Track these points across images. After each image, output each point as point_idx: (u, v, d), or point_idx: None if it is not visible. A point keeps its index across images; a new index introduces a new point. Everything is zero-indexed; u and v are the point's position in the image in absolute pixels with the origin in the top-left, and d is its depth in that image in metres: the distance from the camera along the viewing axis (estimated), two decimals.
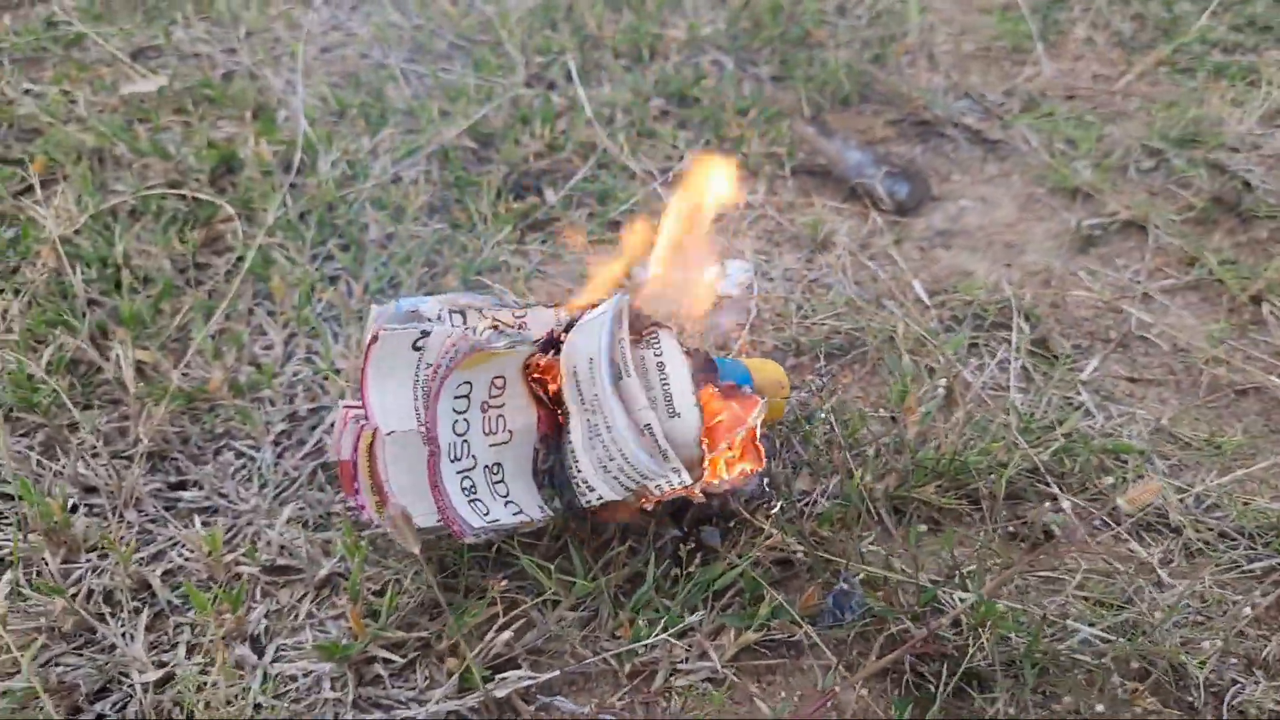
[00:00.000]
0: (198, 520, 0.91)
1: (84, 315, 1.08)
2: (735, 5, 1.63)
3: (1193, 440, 1.00)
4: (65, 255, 1.14)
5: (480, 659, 0.79)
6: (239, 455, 0.99)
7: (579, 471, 0.80)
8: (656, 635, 0.80)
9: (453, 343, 0.75)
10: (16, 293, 1.10)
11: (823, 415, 0.93)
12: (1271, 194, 1.30)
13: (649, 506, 0.81)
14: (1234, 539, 0.90)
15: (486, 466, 0.79)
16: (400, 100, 1.43)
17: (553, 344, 0.81)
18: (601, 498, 0.80)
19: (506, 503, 0.79)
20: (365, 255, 1.18)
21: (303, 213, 1.23)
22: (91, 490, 0.94)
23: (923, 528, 0.88)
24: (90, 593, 0.85)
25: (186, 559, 0.88)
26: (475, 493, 0.77)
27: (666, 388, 0.79)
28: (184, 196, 1.25)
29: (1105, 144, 1.40)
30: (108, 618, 0.83)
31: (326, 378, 1.05)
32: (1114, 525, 0.91)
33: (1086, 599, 0.84)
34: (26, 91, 1.45)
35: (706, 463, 0.79)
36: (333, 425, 1.01)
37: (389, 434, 0.76)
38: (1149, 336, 1.13)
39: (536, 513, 0.80)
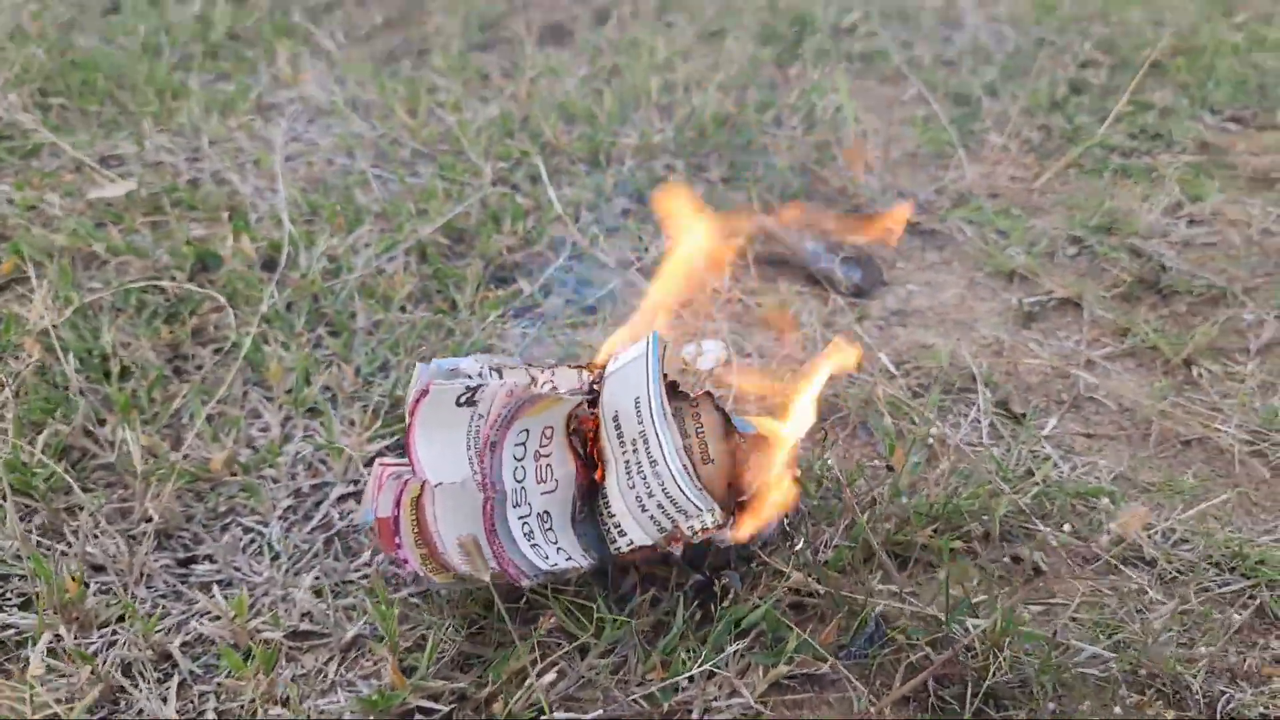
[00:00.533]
0: (216, 590, 0.91)
1: (76, 403, 1.08)
2: (680, 116, 1.74)
3: (1152, 485, 1.08)
4: (50, 348, 1.14)
5: (519, 706, 0.80)
6: (247, 530, 0.99)
7: (611, 516, 0.83)
8: (688, 673, 0.82)
9: (511, 393, 0.78)
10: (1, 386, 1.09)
11: (823, 464, 0.99)
12: (1185, 274, 1.43)
13: (676, 550, 0.84)
14: (1205, 568, 0.97)
15: (539, 514, 0.81)
16: (372, 202, 1.48)
17: (594, 398, 0.85)
18: (632, 542, 0.83)
19: (558, 549, 0.81)
20: (355, 341, 1.21)
21: (289, 304, 1.26)
22: (99, 569, 0.93)
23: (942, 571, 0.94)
24: (109, 665, 0.83)
25: (208, 628, 0.88)
26: (533, 538, 0.80)
27: (701, 435, 0.83)
28: (164, 292, 1.26)
29: (1032, 233, 1.52)
30: (130, 688, 0.82)
31: (328, 455, 1.06)
32: (1096, 559, 0.98)
33: (1082, 622, 0.90)
34: None
35: (734, 506, 0.84)
36: (339, 498, 1.03)
37: (438, 485, 0.78)
38: (1097, 398, 1.22)
39: (583, 559, 0.83)
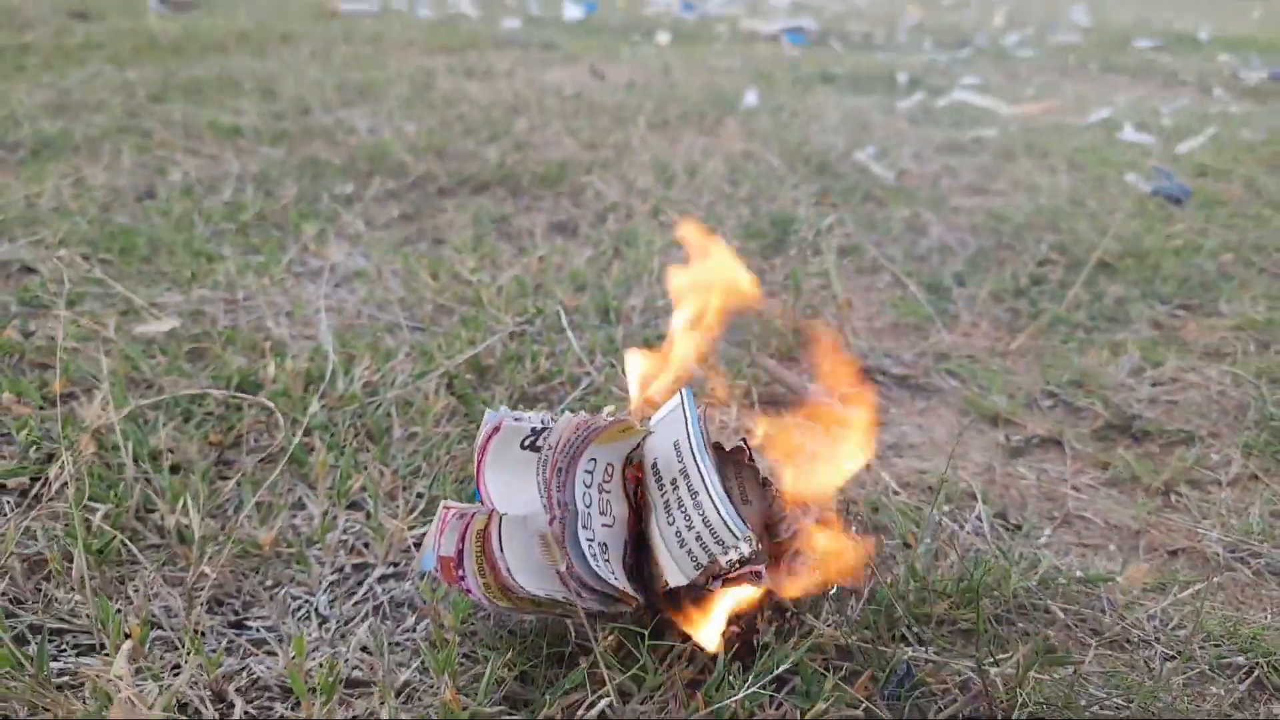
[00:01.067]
0: (269, 639, 0.94)
1: (131, 487, 1.13)
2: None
3: (1146, 583, 1.15)
4: (105, 446, 1.21)
5: None
6: (294, 598, 1.03)
7: (653, 563, 0.90)
8: (730, 712, 0.86)
9: (582, 423, 0.86)
10: (59, 471, 1.15)
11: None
12: (1153, 421, 1.55)
13: (714, 586, 0.90)
14: (1201, 645, 1.04)
15: (600, 543, 0.87)
16: (402, 344, 1.58)
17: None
18: (668, 584, 0.89)
19: (614, 576, 0.87)
20: (392, 448, 1.28)
21: (330, 417, 1.34)
22: (156, 625, 0.96)
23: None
24: (169, 697, 0.86)
25: (263, 671, 0.90)
26: (597, 560, 0.86)
27: (740, 479, 0.91)
28: (209, 409, 1.34)
29: (1010, 386, 1.65)
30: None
31: (371, 538, 1.11)
32: (1101, 635, 1.04)
33: (1095, 679, 0.95)
34: (30, 333, 1.54)
35: (769, 549, 0.90)
36: (380, 578, 1.07)
37: (505, 515, 0.85)
38: (1086, 515, 1.31)
39: (635, 593, 0.88)
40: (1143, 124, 4.29)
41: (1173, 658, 1.02)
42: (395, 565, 1.09)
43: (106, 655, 0.89)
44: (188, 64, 4.25)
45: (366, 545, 1.12)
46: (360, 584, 1.06)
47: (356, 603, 1.03)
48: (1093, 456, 1.46)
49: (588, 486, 0.88)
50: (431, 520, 1.14)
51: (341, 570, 1.08)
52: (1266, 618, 1.10)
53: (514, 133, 3.28)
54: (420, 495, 1.20)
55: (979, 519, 1.25)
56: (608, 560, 0.88)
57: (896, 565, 1.09)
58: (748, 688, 0.85)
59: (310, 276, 1.91)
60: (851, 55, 6.50)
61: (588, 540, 0.86)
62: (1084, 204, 2.81)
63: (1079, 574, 1.12)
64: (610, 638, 0.91)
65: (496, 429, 0.88)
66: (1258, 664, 1.01)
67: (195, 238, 2.02)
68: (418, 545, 1.12)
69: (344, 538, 1.13)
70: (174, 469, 1.21)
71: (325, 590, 1.04)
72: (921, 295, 2.01)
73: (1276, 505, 1.34)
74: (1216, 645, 1.04)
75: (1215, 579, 1.15)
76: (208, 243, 2.02)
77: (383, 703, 0.88)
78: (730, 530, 0.88)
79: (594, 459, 0.88)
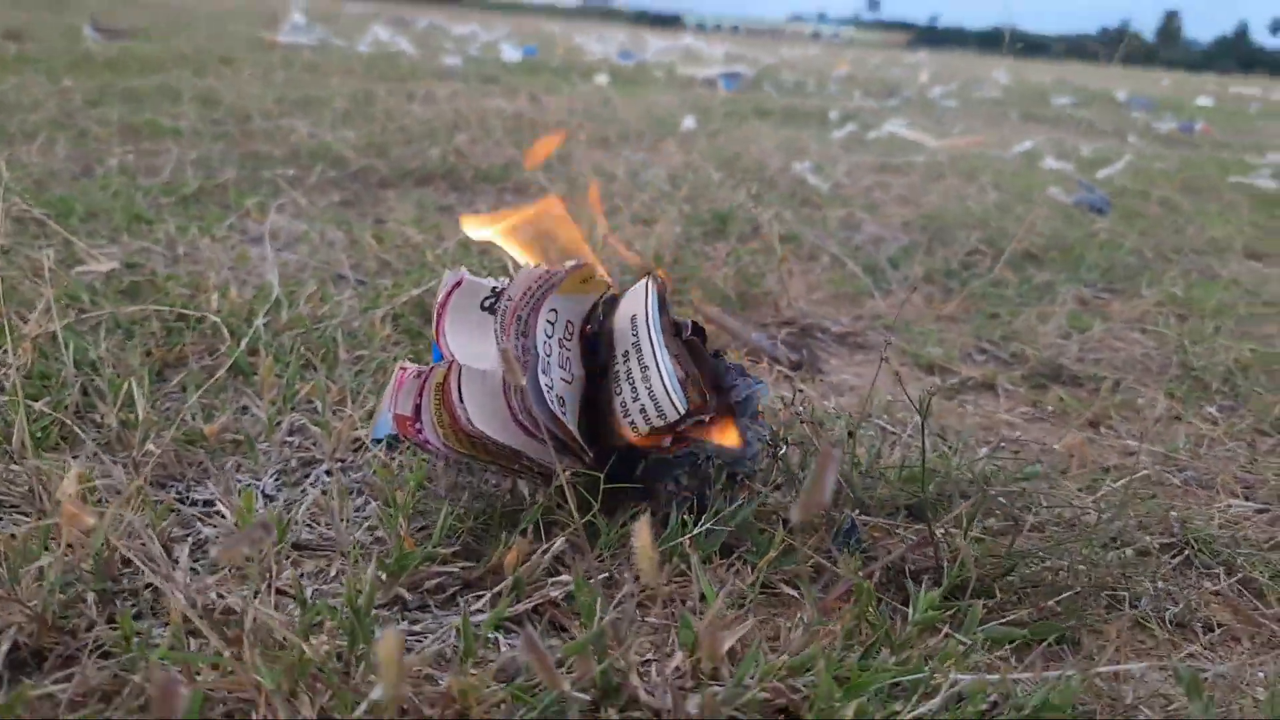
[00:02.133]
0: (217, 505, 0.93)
1: (70, 388, 1.11)
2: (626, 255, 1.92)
3: (1080, 456, 1.19)
4: (45, 353, 1.19)
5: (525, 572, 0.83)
6: (240, 482, 1.01)
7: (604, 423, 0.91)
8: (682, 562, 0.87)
9: (543, 273, 0.88)
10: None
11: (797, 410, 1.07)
12: (1082, 372, 1.61)
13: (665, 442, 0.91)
14: (1135, 530, 1.07)
15: (559, 395, 0.88)
16: (347, 288, 1.58)
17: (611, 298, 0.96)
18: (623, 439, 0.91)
19: (571, 426, 0.88)
20: (338, 368, 1.28)
21: (276, 340, 1.33)
22: (98, 499, 0.94)
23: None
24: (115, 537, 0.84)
25: (209, 532, 0.89)
26: (555, 407, 0.86)
27: (692, 352, 0.93)
28: (148, 324, 1.32)
29: (945, 342, 1.70)
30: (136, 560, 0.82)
31: (320, 434, 1.10)
32: (1039, 530, 1.07)
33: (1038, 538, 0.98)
34: None
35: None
36: (327, 471, 1.06)
37: (464, 365, 0.86)
38: (1020, 440, 1.35)
39: (585, 449, 0.89)
40: (1063, 155, 4.47)
41: (1107, 544, 1.06)
42: (343, 461, 1.09)
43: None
44: (125, 78, 4.21)
45: (314, 443, 1.11)
46: (307, 475, 1.05)
47: (304, 490, 1.02)
48: (1025, 396, 1.50)
49: (549, 337, 0.89)
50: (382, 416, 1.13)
51: (287, 463, 1.07)
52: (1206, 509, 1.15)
53: (455, 143, 3.30)
54: (369, 409, 1.19)
55: (918, 432, 1.28)
56: (564, 413, 0.89)
57: (842, 456, 1.11)
58: (701, 526, 0.87)
59: (252, 241, 1.90)
60: (784, 98, 6.68)
61: (547, 386, 0.87)
62: (1010, 210, 2.91)
63: (1017, 474, 1.15)
64: (566, 473, 0.92)
65: (458, 284, 0.89)
66: (1188, 544, 1.05)
67: (134, 204, 2.00)
68: (367, 443, 1.11)
69: (289, 438, 1.12)
70: (116, 379, 1.18)
71: (272, 476, 1.03)
72: (859, 273, 2.06)
73: (1200, 436, 1.39)
74: (1148, 531, 1.07)
75: (1143, 473, 1.19)
76: (147, 209, 2.00)
77: (332, 562, 0.87)
78: (673, 404, 0.89)
79: (555, 310, 0.90)
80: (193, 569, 0.85)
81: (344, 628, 0.73)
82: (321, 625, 0.74)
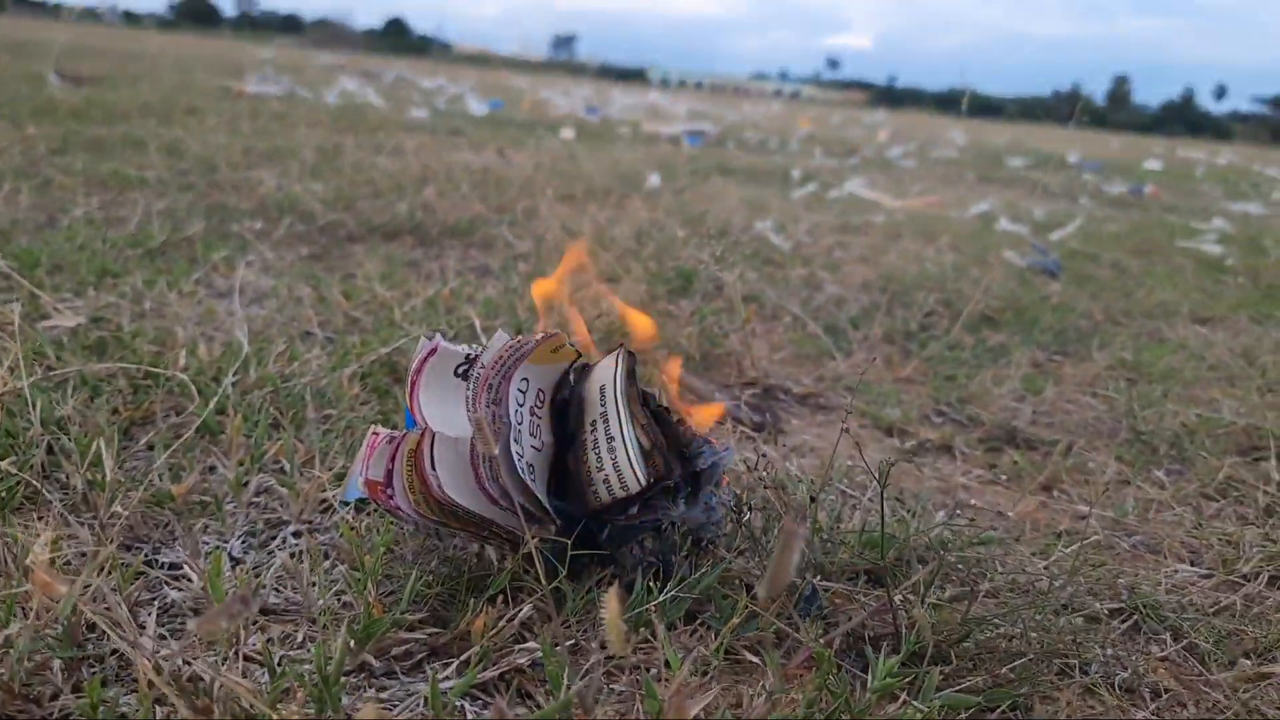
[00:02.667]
0: (184, 569, 0.93)
1: (36, 447, 1.11)
2: (591, 315, 1.95)
3: (1036, 550, 1.22)
4: (12, 412, 1.19)
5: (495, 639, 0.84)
6: (207, 544, 1.02)
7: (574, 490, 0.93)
8: (648, 632, 0.88)
9: (514, 342, 0.90)
10: None
11: (760, 478, 1.09)
12: (1035, 435, 1.65)
13: (633, 509, 0.93)
14: (1085, 596, 1.10)
15: (528, 463, 0.90)
16: (315, 345, 1.59)
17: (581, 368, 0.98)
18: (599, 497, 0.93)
19: (540, 496, 0.90)
20: (307, 426, 1.29)
21: (244, 399, 1.34)
22: (65, 563, 0.94)
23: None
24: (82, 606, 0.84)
25: (176, 596, 0.89)
26: (526, 475, 0.88)
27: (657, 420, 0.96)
28: (115, 382, 1.32)
29: (904, 404, 1.74)
30: (105, 627, 0.82)
31: (286, 496, 1.11)
32: (995, 596, 1.09)
33: (995, 602, 1.01)
34: None
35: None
36: (294, 533, 1.07)
37: (438, 434, 0.87)
38: (975, 504, 1.38)
39: (554, 517, 0.91)
40: (1017, 217, 4.58)
41: (1058, 610, 1.08)
42: (310, 523, 1.09)
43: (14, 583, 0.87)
44: (90, 127, 4.21)
45: (282, 504, 1.11)
46: (274, 538, 1.06)
47: (270, 551, 1.03)
48: (980, 459, 1.54)
49: (520, 405, 0.91)
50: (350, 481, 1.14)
51: (254, 526, 1.07)
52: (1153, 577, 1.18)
53: (423, 197, 3.33)
54: (337, 470, 1.20)
55: (876, 499, 1.30)
56: (534, 480, 0.91)
57: (804, 520, 1.14)
58: (666, 593, 0.88)
59: (219, 296, 1.91)
60: (747, 156, 6.79)
61: (518, 455, 0.88)
62: (967, 272, 2.98)
63: (972, 540, 1.18)
64: (534, 539, 0.93)
65: (433, 352, 0.90)
66: (1137, 609, 1.08)
67: (99, 256, 2.00)
68: (336, 505, 1.12)
69: (257, 499, 1.12)
70: (82, 441, 1.19)
71: (239, 538, 1.03)
72: (820, 334, 2.10)
73: (1148, 500, 1.43)
74: (1098, 597, 1.10)
75: (1094, 538, 1.22)
76: (113, 262, 2.00)
77: (299, 629, 0.88)
78: (636, 476, 0.92)
79: (526, 379, 0.92)
80: (160, 635, 0.85)
81: (313, 696, 0.73)
82: (291, 693, 0.74)
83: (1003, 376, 1.93)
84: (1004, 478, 1.49)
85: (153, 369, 1.33)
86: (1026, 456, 1.57)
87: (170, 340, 1.51)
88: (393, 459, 0.88)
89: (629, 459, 0.92)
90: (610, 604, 0.66)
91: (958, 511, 1.29)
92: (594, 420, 0.95)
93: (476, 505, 0.87)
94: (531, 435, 0.92)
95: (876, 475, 0.96)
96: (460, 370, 0.92)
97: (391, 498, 0.87)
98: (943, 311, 2.44)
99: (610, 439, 0.93)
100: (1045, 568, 1.14)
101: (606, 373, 0.96)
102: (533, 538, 0.81)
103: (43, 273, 1.86)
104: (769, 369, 1.87)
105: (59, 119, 4.32)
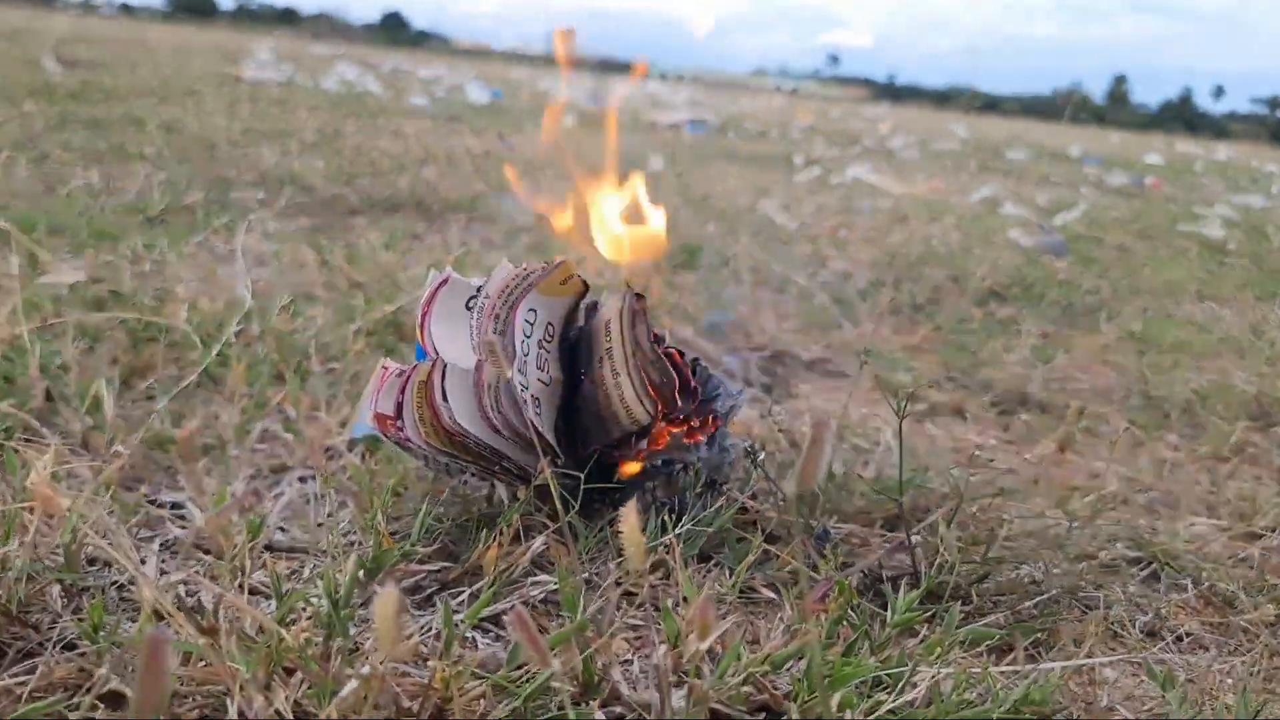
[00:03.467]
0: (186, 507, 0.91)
1: (34, 391, 1.09)
2: (598, 285, 1.93)
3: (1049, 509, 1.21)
4: (10, 358, 1.16)
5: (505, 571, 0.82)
6: (211, 487, 1.00)
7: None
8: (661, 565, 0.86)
9: (521, 270, 0.88)
10: None
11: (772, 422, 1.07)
12: (1047, 399, 1.63)
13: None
14: (1104, 545, 1.08)
15: (533, 396, 0.88)
16: (319, 305, 1.57)
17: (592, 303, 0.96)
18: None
19: (542, 428, 0.87)
20: (311, 378, 1.26)
21: (248, 350, 1.31)
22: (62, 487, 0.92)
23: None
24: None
25: (179, 533, 0.87)
26: (528, 408, 0.86)
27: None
28: (114, 333, 1.30)
29: (914, 371, 1.72)
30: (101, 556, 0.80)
31: (292, 441, 1.09)
32: (1012, 540, 1.07)
33: (1007, 561, 0.99)
34: None
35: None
36: (299, 478, 1.05)
37: (449, 364, 0.85)
38: (995, 464, 1.36)
39: (558, 450, 0.89)
40: (1021, 202, 4.57)
41: (1078, 556, 1.07)
42: (316, 468, 1.07)
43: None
44: (89, 107, 4.18)
45: (286, 449, 1.09)
46: (278, 483, 1.04)
47: (276, 495, 1.01)
48: (993, 421, 1.52)
49: (527, 336, 0.89)
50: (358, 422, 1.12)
51: (259, 470, 1.05)
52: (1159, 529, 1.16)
53: (424, 178, 3.31)
54: (342, 418, 1.18)
55: (890, 457, 1.29)
56: (539, 414, 0.88)
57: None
58: (681, 526, 0.86)
59: (220, 260, 1.88)
60: (749, 144, 6.77)
61: (522, 385, 0.86)
62: (972, 250, 2.96)
63: (989, 492, 1.16)
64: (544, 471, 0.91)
65: (444, 283, 0.88)
66: (1155, 558, 1.06)
67: (98, 221, 1.97)
68: (342, 447, 1.10)
69: (261, 445, 1.10)
70: (82, 388, 1.16)
71: (243, 482, 1.01)
72: (828, 305, 2.08)
73: (1162, 460, 1.41)
74: (1117, 541, 1.09)
75: (1111, 489, 1.21)
76: (112, 227, 1.98)
77: (305, 562, 0.86)
78: (644, 409, 0.90)
79: (534, 310, 0.90)
80: (162, 569, 0.83)
81: (322, 621, 0.71)
82: (298, 618, 0.72)
83: (1013, 345, 1.91)
84: (1019, 435, 1.47)
85: (154, 319, 1.31)
86: (1039, 419, 1.55)
87: (170, 297, 1.49)
88: (402, 391, 0.86)
89: (635, 393, 0.90)
90: (629, 519, 0.64)
91: (974, 459, 1.27)
92: (601, 356, 0.93)
93: (486, 435, 0.85)
94: (539, 368, 0.90)
95: (896, 409, 0.94)
96: (471, 303, 0.90)
97: (402, 429, 0.85)
98: (950, 287, 2.43)
99: (615, 373, 0.91)
100: (1063, 514, 1.12)
101: (613, 311, 0.94)
102: (545, 469, 0.79)
103: (41, 234, 1.83)
104: (777, 336, 1.85)
105: (56, 99, 4.30)
